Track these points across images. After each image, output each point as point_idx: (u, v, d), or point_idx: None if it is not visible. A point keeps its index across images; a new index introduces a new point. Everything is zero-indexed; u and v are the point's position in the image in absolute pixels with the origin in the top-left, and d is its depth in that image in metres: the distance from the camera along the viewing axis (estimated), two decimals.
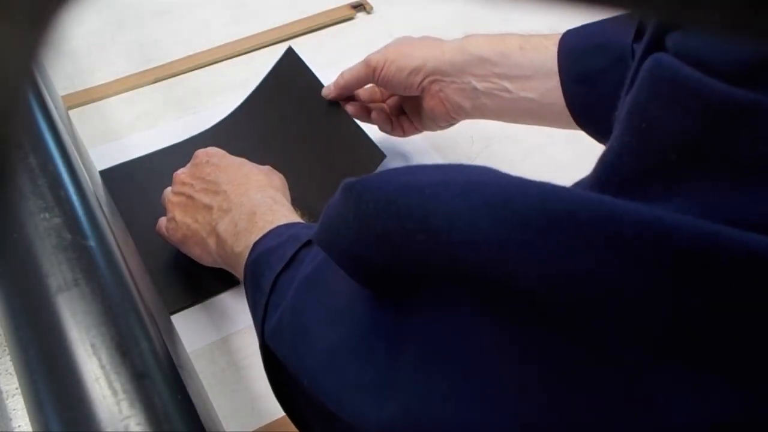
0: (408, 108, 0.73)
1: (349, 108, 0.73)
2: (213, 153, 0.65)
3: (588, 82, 0.59)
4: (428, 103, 0.69)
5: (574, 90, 0.61)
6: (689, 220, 0.27)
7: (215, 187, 0.61)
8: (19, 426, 0.45)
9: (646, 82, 0.30)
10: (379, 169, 0.68)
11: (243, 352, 0.63)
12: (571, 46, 0.61)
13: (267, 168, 0.65)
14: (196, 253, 0.62)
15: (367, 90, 0.74)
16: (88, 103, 0.85)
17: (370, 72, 0.69)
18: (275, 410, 0.59)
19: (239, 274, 0.54)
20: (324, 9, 0.96)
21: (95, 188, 0.58)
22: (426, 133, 0.82)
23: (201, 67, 0.90)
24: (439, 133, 0.82)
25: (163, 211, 0.65)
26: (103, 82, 0.87)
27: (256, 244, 0.53)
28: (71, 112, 0.82)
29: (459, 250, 0.32)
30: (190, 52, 0.91)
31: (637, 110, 0.30)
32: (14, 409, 0.46)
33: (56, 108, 0.64)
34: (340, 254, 0.41)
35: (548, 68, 0.61)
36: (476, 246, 0.31)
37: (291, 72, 0.76)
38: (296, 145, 0.74)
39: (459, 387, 0.34)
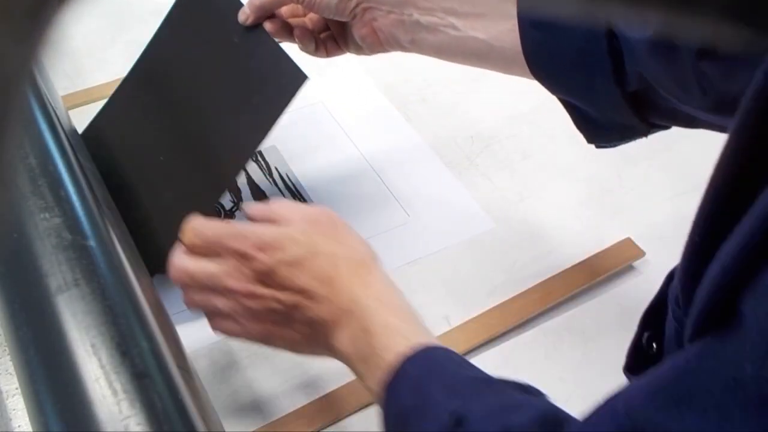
0: (334, 27, 0.66)
1: (268, 25, 0.64)
2: (269, 246, 0.52)
3: (550, 30, 0.55)
4: (359, 30, 0.63)
5: (533, 37, 0.56)
6: None
7: (311, 294, 0.51)
8: (19, 426, 0.45)
9: None
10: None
11: (243, 352, 0.63)
12: None
13: (340, 227, 0.54)
14: (315, 355, 0.54)
15: (288, 6, 0.66)
16: (88, 103, 0.85)
17: None
18: (275, 410, 0.59)
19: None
20: None
21: (94, 186, 0.57)
22: (424, 134, 0.82)
23: None
24: (438, 133, 0.82)
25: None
26: (103, 82, 0.87)
27: (390, 389, 0.47)
28: (71, 112, 0.82)
29: None
30: None
31: None
32: (14, 409, 0.46)
33: (56, 108, 0.64)
34: None
35: (504, 8, 0.57)
36: None
37: None
38: (216, 73, 0.68)
39: None
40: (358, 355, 0.50)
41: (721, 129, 0.55)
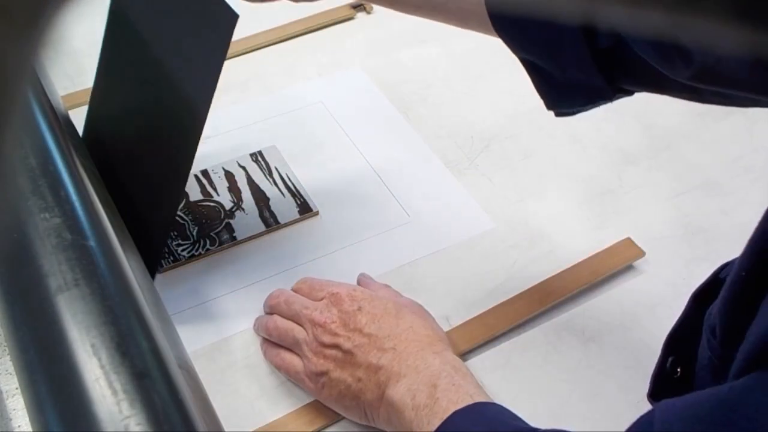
0: None
1: None
2: (360, 296, 0.59)
3: None
4: None
5: None
6: None
7: (379, 343, 0.55)
8: (19, 426, 0.45)
9: None
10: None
11: (243, 352, 0.63)
12: None
13: (428, 315, 0.60)
14: (351, 412, 0.57)
15: None
16: (88, 103, 0.85)
17: None
18: (275, 410, 0.59)
19: None
20: (324, 9, 0.96)
21: (94, 186, 0.57)
22: (423, 133, 0.82)
23: None
24: (437, 132, 0.82)
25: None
26: None
27: None
28: (71, 112, 0.82)
29: None
30: None
31: None
32: (14, 409, 0.46)
33: (56, 108, 0.64)
34: None
35: None
36: None
37: None
38: (164, 27, 0.65)
39: None
40: (413, 403, 0.52)
41: (689, 96, 0.54)
